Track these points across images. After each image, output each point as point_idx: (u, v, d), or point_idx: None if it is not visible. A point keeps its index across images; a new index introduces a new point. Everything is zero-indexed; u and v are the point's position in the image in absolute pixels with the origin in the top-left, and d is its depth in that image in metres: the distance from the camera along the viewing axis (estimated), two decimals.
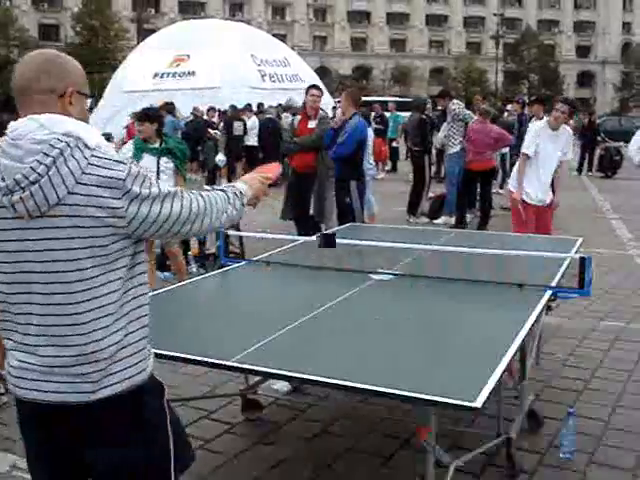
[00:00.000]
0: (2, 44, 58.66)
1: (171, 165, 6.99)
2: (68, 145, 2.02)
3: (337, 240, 4.36)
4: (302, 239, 5.90)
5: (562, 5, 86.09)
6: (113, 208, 2.04)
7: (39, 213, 2.02)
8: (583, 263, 4.11)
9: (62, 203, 2.02)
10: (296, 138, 9.21)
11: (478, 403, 2.53)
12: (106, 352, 2.10)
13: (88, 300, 2.07)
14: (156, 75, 26.84)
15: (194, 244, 8.93)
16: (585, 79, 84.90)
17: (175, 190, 2.20)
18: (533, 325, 3.60)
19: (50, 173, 1.99)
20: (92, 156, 2.05)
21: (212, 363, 3.05)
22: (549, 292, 4.05)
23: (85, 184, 2.02)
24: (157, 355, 3.09)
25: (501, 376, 2.88)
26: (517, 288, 4.14)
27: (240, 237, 7.49)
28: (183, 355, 3.07)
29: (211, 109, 19.77)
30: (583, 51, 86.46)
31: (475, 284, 4.30)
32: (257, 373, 3.21)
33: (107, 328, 2.09)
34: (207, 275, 5.24)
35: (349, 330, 3.52)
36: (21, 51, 58.19)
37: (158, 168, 6.89)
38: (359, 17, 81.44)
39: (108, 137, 15.06)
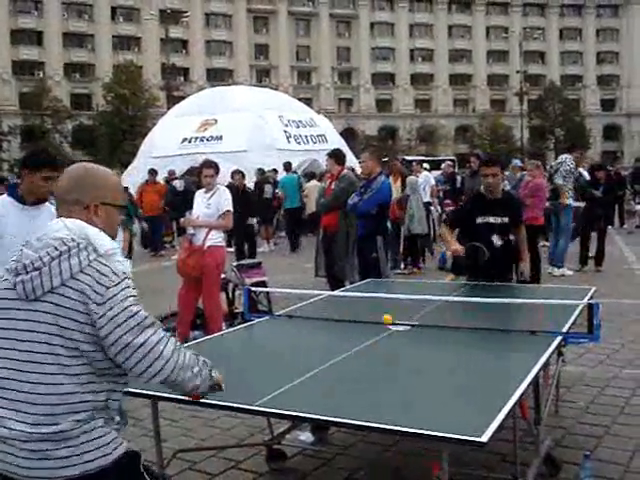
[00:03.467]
0: (36, 114, 60.31)
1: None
2: (77, 245, 2.34)
3: (356, 294, 4.54)
4: (326, 293, 6.11)
5: (584, 60, 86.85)
6: (91, 311, 2.29)
7: (34, 296, 2.31)
8: (591, 309, 4.26)
9: (55, 292, 2.30)
10: (322, 200, 9.60)
11: (485, 438, 2.69)
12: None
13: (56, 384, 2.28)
14: (184, 140, 27.49)
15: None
16: (611, 132, 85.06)
17: (154, 321, 2.42)
18: (545, 369, 3.74)
19: (52, 264, 2.30)
20: (95, 260, 2.35)
21: (237, 408, 3.25)
22: (559, 337, 4.19)
23: (79, 280, 2.30)
24: (185, 402, 3.30)
25: (512, 416, 3.02)
26: (529, 335, 4.29)
27: (267, 294, 7.72)
28: (208, 401, 3.25)
29: (236, 172, 19.49)
30: (608, 104, 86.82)
31: (489, 332, 4.46)
32: (278, 416, 3.38)
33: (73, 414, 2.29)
34: (231, 330, 5.45)
35: (367, 376, 3.67)
36: (54, 120, 59.81)
37: None
38: (383, 79, 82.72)
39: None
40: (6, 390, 2.31)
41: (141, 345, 2.34)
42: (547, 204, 12.89)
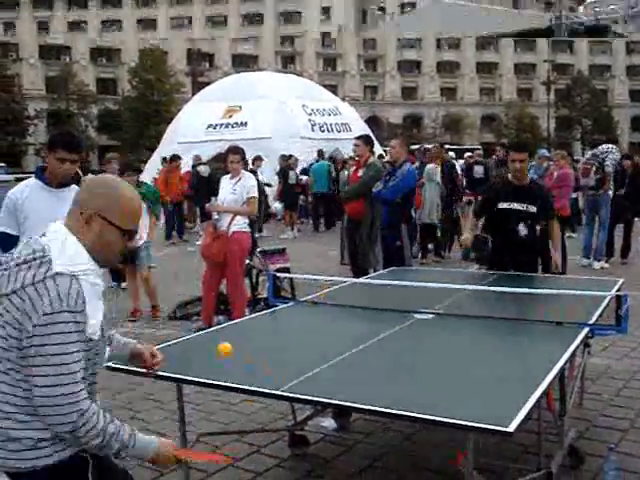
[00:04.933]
0: (62, 98, 60.66)
1: (143, 205, 8.67)
2: (41, 260, 2.31)
3: (382, 282, 4.53)
4: (350, 280, 6.10)
5: (614, 50, 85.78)
6: (23, 328, 2.24)
7: (2, 292, 2.32)
8: (620, 301, 4.20)
9: (8, 298, 2.28)
10: (347, 187, 9.57)
11: (511, 428, 2.66)
12: None
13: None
14: (209, 126, 27.51)
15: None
16: (639, 123, 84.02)
17: (77, 370, 2.27)
18: (571, 361, 3.71)
19: (14, 269, 2.31)
20: (48, 279, 2.26)
21: (262, 393, 3.25)
22: (586, 329, 4.15)
23: (35, 291, 2.25)
24: (212, 386, 3.30)
25: (538, 407, 2.99)
26: (555, 326, 4.26)
27: (291, 280, 7.72)
28: (233, 385, 3.26)
29: (257, 158, 19.44)
30: (637, 95, 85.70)
31: (515, 322, 4.43)
32: (302, 401, 3.38)
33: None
34: (256, 315, 5.46)
35: (390, 363, 3.67)
36: (80, 105, 60.11)
37: None
38: (409, 66, 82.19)
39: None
40: None
41: (57, 396, 2.24)
42: (584, 194, 12.72)
